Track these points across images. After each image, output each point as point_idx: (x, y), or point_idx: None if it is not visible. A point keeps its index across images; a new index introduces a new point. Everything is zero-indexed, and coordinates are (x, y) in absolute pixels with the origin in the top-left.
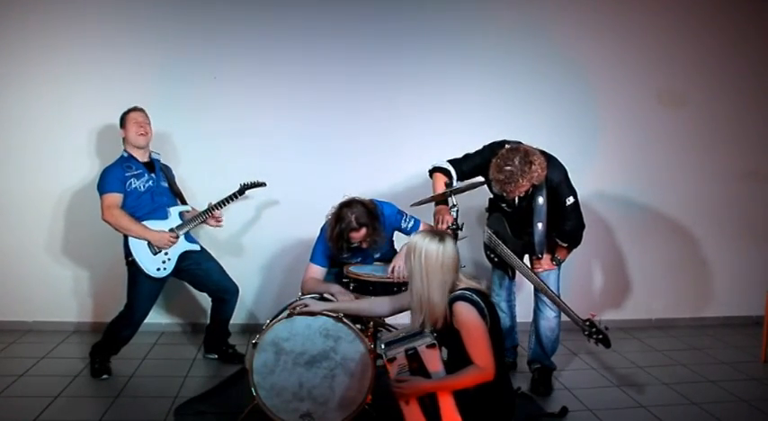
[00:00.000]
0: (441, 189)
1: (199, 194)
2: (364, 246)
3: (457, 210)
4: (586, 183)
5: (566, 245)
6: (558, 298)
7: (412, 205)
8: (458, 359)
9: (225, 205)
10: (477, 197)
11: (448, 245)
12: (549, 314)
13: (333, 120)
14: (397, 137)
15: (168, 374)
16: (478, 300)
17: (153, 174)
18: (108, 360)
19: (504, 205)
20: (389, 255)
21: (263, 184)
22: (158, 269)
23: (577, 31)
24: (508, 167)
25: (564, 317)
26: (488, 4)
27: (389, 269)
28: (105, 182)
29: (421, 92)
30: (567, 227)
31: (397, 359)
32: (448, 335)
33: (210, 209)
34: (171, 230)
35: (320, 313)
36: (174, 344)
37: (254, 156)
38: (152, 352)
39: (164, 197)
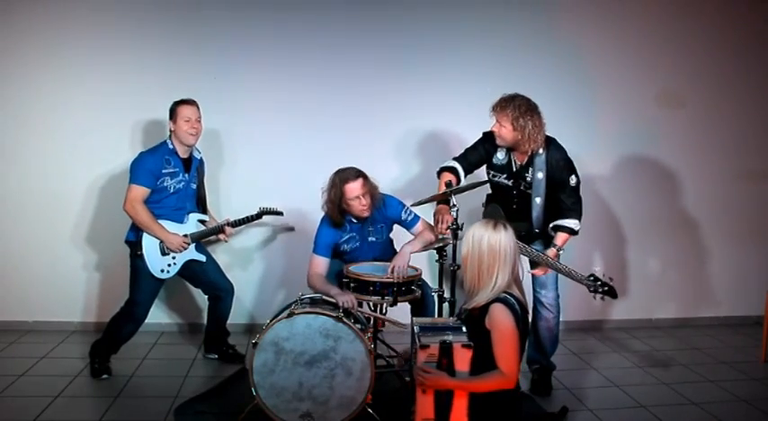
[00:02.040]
0: (443, 189)
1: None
2: (363, 207)
3: (457, 210)
4: (585, 182)
5: (567, 223)
6: (561, 264)
7: (412, 205)
8: (480, 360)
9: (240, 225)
10: (477, 198)
11: (504, 233)
12: (548, 315)
13: (333, 116)
14: (397, 135)
15: (168, 374)
16: (517, 308)
17: (187, 175)
18: (108, 359)
19: (503, 177)
20: (389, 254)
21: (280, 213)
22: (162, 271)
23: (578, 30)
24: (512, 95)
25: (563, 317)
26: (488, 3)
27: (389, 269)
28: (139, 171)
29: (420, 88)
30: (569, 203)
31: (430, 347)
32: (476, 334)
33: (225, 226)
34: (185, 236)
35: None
36: (174, 344)
37: (255, 156)
38: (152, 352)
39: (188, 202)
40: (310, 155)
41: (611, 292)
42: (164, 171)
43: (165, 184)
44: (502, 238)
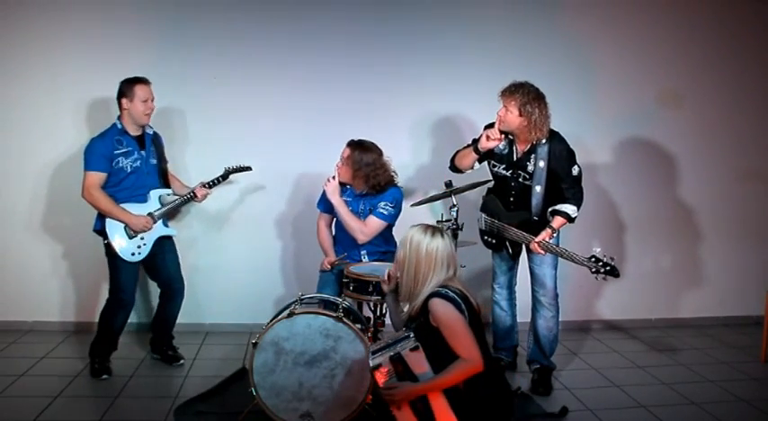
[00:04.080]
0: (468, 161)
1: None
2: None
3: (457, 210)
4: (584, 182)
5: (565, 208)
6: (561, 248)
7: (412, 205)
8: (440, 358)
9: (210, 188)
10: (477, 199)
11: (441, 240)
12: (547, 314)
13: (332, 107)
14: (397, 129)
15: (168, 374)
16: (455, 296)
17: (143, 152)
18: (108, 359)
19: (502, 167)
20: (389, 259)
21: (248, 169)
22: (133, 254)
23: (578, 30)
24: (522, 82)
25: (563, 317)
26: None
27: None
28: (91, 157)
29: (419, 83)
30: (571, 193)
31: (382, 366)
32: (426, 335)
33: (191, 195)
34: (149, 214)
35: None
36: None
37: (252, 154)
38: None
39: (148, 178)
40: (312, 153)
41: (613, 272)
42: (116, 152)
43: (121, 165)
44: (439, 245)
